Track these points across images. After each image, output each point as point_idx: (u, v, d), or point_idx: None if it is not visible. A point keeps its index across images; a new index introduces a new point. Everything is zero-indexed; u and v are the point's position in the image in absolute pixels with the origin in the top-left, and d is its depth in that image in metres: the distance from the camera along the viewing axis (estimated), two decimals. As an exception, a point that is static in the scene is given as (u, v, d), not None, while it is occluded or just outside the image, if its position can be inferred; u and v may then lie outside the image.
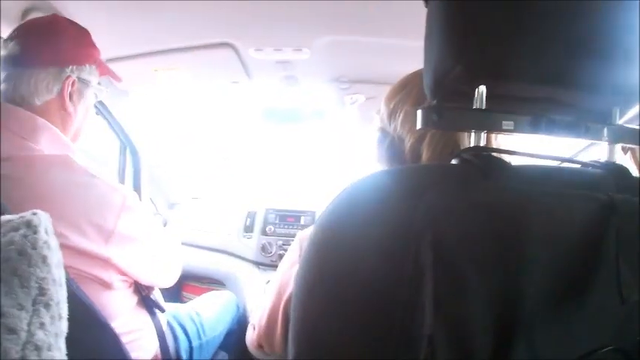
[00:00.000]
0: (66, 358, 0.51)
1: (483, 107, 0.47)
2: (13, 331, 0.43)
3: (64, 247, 0.79)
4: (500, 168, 0.47)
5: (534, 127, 0.50)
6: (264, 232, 1.99)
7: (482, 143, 0.50)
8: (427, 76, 0.52)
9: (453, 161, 0.49)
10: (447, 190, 0.43)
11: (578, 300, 0.46)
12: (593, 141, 0.57)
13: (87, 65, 1.01)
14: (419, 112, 0.49)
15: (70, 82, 0.97)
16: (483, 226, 0.43)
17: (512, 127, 0.48)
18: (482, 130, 0.48)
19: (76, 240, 0.83)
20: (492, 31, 0.47)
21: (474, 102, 0.48)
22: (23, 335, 0.44)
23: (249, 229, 2.03)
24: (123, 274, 0.93)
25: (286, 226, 1.99)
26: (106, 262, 0.88)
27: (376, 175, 0.48)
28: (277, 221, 2.01)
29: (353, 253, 0.44)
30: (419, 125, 0.49)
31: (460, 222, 0.42)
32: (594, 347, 0.44)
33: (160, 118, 2.19)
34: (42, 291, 0.48)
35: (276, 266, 1.01)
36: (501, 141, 0.70)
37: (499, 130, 0.49)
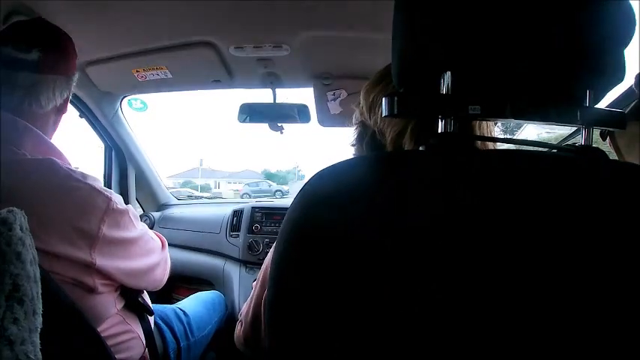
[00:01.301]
0: (39, 353, 0.51)
1: (450, 93, 0.48)
2: (-15, 325, 0.43)
3: (47, 252, 0.79)
4: (465, 153, 0.47)
5: (501, 111, 0.50)
6: (250, 231, 1.99)
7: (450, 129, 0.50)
8: (394, 65, 0.52)
9: (421, 148, 0.49)
10: (406, 177, 0.44)
11: (542, 286, 0.43)
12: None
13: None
14: (384, 100, 0.50)
15: (72, 87, 1.02)
16: (443, 213, 0.43)
17: (478, 112, 0.49)
18: (449, 116, 0.49)
19: (59, 245, 0.82)
20: (456, 17, 0.48)
21: (441, 88, 0.48)
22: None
23: (235, 228, 2.03)
24: (108, 278, 0.92)
25: (272, 224, 1.99)
26: (89, 267, 0.86)
27: (339, 165, 0.49)
28: (263, 219, 2.01)
29: (318, 244, 0.45)
30: (384, 113, 0.49)
31: (418, 208, 0.42)
32: (561, 335, 0.43)
33: (148, 118, 2.19)
34: (16, 287, 0.48)
35: None
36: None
37: (466, 115, 0.49)
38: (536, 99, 0.52)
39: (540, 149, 0.59)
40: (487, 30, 0.48)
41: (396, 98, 0.49)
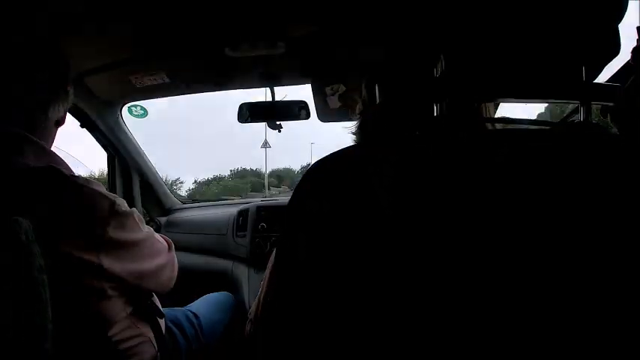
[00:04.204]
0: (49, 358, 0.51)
1: (444, 76, 0.48)
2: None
3: (55, 257, 0.79)
4: (464, 135, 0.47)
5: (498, 91, 0.50)
6: (256, 230, 1.98)
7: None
8: (390, 53, 0.53)
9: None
10: (401, 162, 0.44)
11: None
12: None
13: None
14: (378, 88, 0.50)
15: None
16: (429, 196, 0.43)
17: (474, 94, 0.49)
18: (444, 99, 0.49)
19: (66, 250, 0.82)
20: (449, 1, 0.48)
21: (435, 72, 0.48)
22: (10, 334, 0.44)
23: (241, 228, 2.02)
24: (116, 281, 0.92)
25: (279, 223, 1.97)
26: (97, 270, 0.87)
27: (335, 155, 0.49)
28: (269, 218, 1.99)
29: (312, 232, 0.45)
30: (379, 99, 0.50)
31: (413, 193, 0.42)
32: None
33: (151, 124, 2.18)
34: (25, 293, 0.48)
35: None
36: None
37: (462, 97, 0.49)
38: (532, 77, 0.52)
39: (541, 127, 0.58)
40: (479, 11, 0.48)
41: (393, 85, 0.50)
